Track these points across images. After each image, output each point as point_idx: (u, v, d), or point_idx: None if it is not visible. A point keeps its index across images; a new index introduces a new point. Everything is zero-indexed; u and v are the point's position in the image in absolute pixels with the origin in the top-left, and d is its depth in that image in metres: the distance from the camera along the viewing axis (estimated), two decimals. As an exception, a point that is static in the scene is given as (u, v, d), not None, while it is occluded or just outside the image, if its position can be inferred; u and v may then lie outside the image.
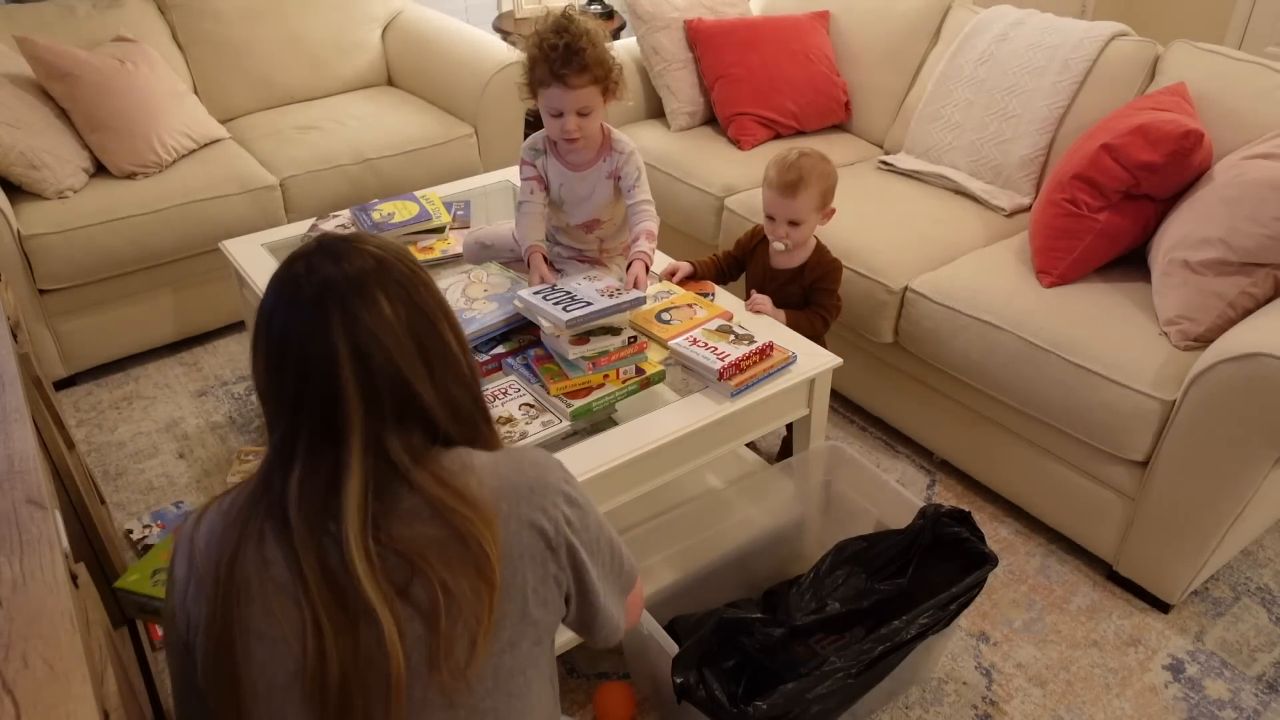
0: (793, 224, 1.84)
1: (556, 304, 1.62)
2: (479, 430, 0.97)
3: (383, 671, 0.82)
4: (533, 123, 3.32)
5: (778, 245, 1.88)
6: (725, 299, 1.94)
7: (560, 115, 1.68)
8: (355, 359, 0.85)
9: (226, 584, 0.84)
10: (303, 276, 0.86)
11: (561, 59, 1.62)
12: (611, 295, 1.66)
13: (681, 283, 1.96)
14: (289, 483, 0.85)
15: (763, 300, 1.89)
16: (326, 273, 0.86)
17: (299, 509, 0.84)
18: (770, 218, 1.87)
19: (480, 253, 2.06)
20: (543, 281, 1.76)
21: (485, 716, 0.87)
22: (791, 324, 1.87)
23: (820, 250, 1.93)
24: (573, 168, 1.81)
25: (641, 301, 1.67)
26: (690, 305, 1.84)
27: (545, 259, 1.82)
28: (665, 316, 1.81)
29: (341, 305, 0.85)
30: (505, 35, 3.61)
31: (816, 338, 1.88)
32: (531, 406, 1.61)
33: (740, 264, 2.04)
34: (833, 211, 1.89)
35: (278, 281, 0.88)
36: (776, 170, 1.83)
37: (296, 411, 0.86)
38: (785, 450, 2.12)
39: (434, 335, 0.91)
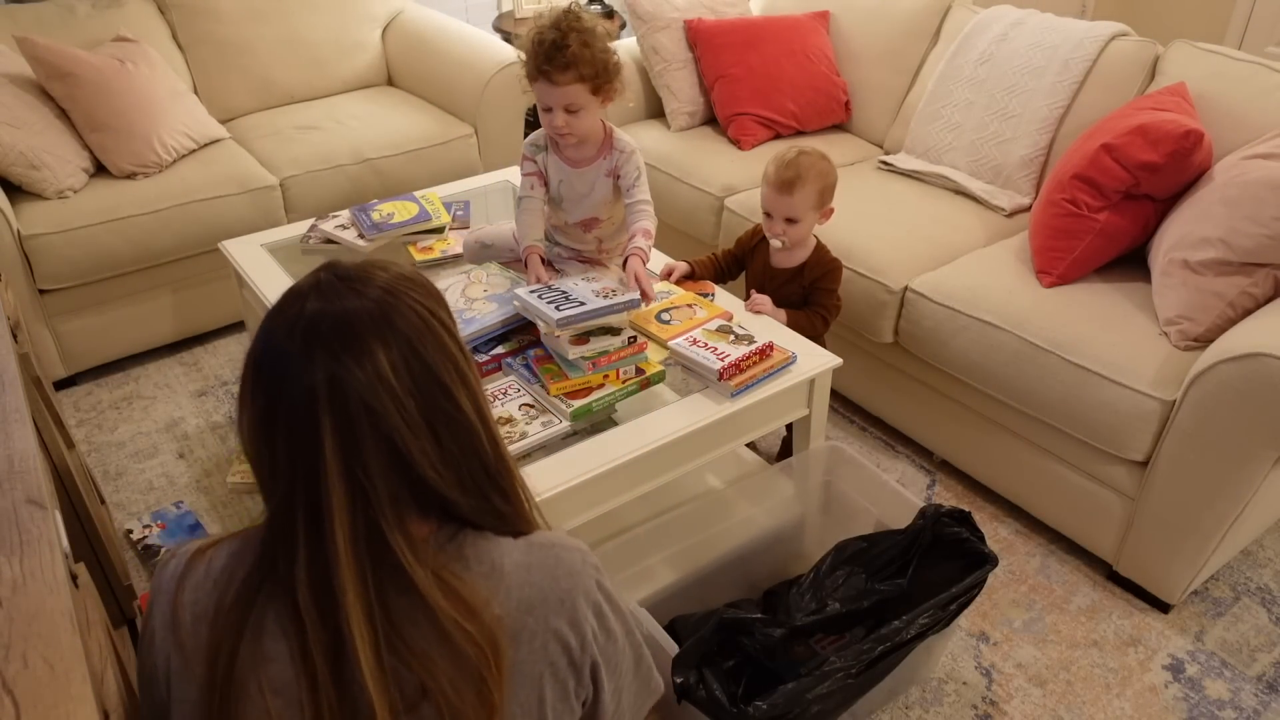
0: (790, 221, 1.84)
1: (550, 303, 1.62)
2: (501, 514, 0.85)
3: None
4: (532, 122, 3.32)
5: (775, 243, 1.88)
6: (725, 299, 1.94)
7: (549, 110, 1.70)
8: (338, 426, 0.73)
9: (224, 685, 0.75)
10: (295, 318, 0.75)
11: (547, 55, 1.63)
12: (607, 296, 1.66)
13: (679, 282, 1.96)
14: (296, 565, 0.74)
15: (763, 300, 1.89)
16: (315, 312, 0.75)
17: (310, 599, 0.74)
18: (768, 215, 1.87)
19: (481, 252, 2.06)
20: (539, 282, 1.76)
21: None
22: (792, 324, 1.87)
23: (820, 250, 1.93)
24: (573, 164, 1.81)
25: (637, 303, 1.67)
26: (690, 305, 1.84)
27: (543, 259, 1.82)
28: (665, 316, 1.81)
29: (331, 360, 0.73)
30: (505, 35, 3.61)
31: (817, 338, 1.88)
32: (531, 407, 1.61)
33: (740, 263, 2.04)
34: (831, 211, 1.89)
35: (269, 320, 0.77)
36: (775, 167, 1.84)
37: (290, 479, 0.75)
38: (785, 450, 2.12)
39: (447, 402, 0.78)
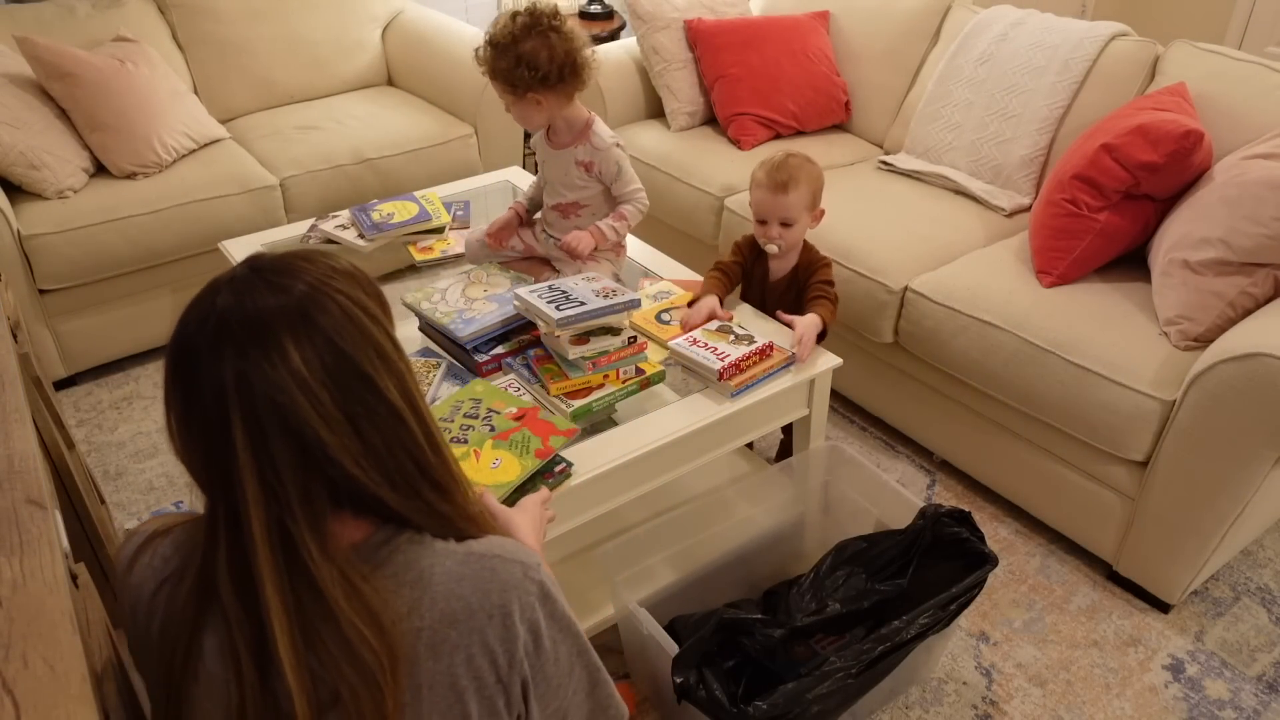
0: (785, 225, 1.82)
1: (550, 303, 1.63)
2: (439, 513, 0.82)
3: None
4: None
5: (771, 248, 1.85)
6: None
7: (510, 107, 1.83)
8: (247, 424, 0.72)
9: (180, 678, 0.77)
10: (205, 316, 0.74)
11: (491, 66, 1.75)
12: (607, 296, 1.66)
13: (686, 283, 1.96)
14: (218, 560, 0.75)
15: (803, 328, 1.76)
16: (225, 309, 0.73)
17: (233, 593, 0.74)
18: (761, 221, 1.84)
19: (483, 252, 2.06)
20: (499, 233, 1.99)
21: None
22: (821, 319, 1.78)
23: (808, 249, 1.92)
24: (553, 145, 1.89)
25: (638, 303, 1.67)
26: (690, 306, 1.84)
27: (521, 219, 2.02)
28: (665, 317, 1.81)
29: (238, 356, 0.72)
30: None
31: (831, 318, 1.83)
32: (531, 406, 1.61)
33: (745, 274, 1.97)
34: (822, 213, 1.88)
35: (184, 315, 0.75)
36: (765, 172, 1.82)
37: (209, 476, 0.75)
38: (784, 451, 2.11)
39: (367, 391, 0.76)
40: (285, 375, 0.72)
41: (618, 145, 1.86)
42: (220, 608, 0.75)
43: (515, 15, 1.74)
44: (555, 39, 1.73)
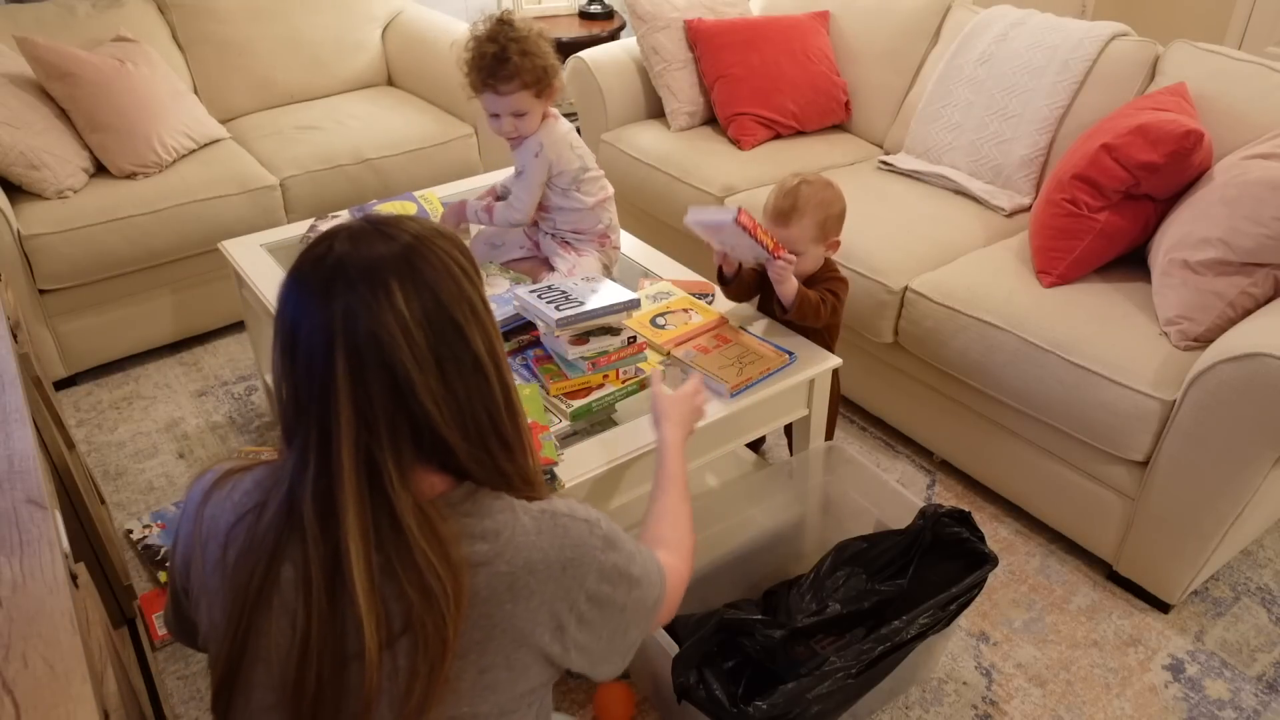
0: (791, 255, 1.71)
1: (550, 303, 1.63)
2: (502, 471, 0.88)
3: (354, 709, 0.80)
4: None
5: (773, 275, 1.71)
6: (722, 301, 1.93)
7: (497, 117, 1.83)
8: (349, 354, 0.78)
9: (254, 606, 0.81)
10: (322, 257, 0.80)
11: (490, 69, 1.75)
12: (603, 293, 1.67)
13: (685, 283, 1.95)
14: (304, 479, 0.80)
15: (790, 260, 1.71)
16: (342, 253, 0.80)
17: (314, 513, 0.79)
18: None
19: (487, 253, 2.07)
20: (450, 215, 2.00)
21: None
22: (801, 299, 1.72)
23: (828, 266, 1.81)
24: (511, 142, 1.91)
25: (637, 303, 1.67)
26: (686, 310, 1.84)
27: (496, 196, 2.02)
28: (660, 321, 1.80)
29: (348, 292, 0.78)
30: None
31: (821, 325, 1.78)
32: (531, 406, 1.61)
33: (760, 277, 1.87)
34: (837, 244, 1.77)
35: (298, 260, 0.83)
36: (774, 196, 1.73)
37: (306, 402, 0.80)
38: (758, 446, 2.12)
39: (457, 339, 0.82)
40: (388, 313, 0.78)
41: (537, 155, 1.87)
42: (300, 535, 0.80)
43: (497, 33, 1.75)
44: (536, 46, 1.78)
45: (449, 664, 0.80)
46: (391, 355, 0.78)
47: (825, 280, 1.81)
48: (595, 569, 0.89)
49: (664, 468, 1.27)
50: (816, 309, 1.74)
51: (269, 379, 2.27)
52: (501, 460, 0.88)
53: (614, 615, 0.93)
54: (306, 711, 0.80)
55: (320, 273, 0.80)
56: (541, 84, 1.78)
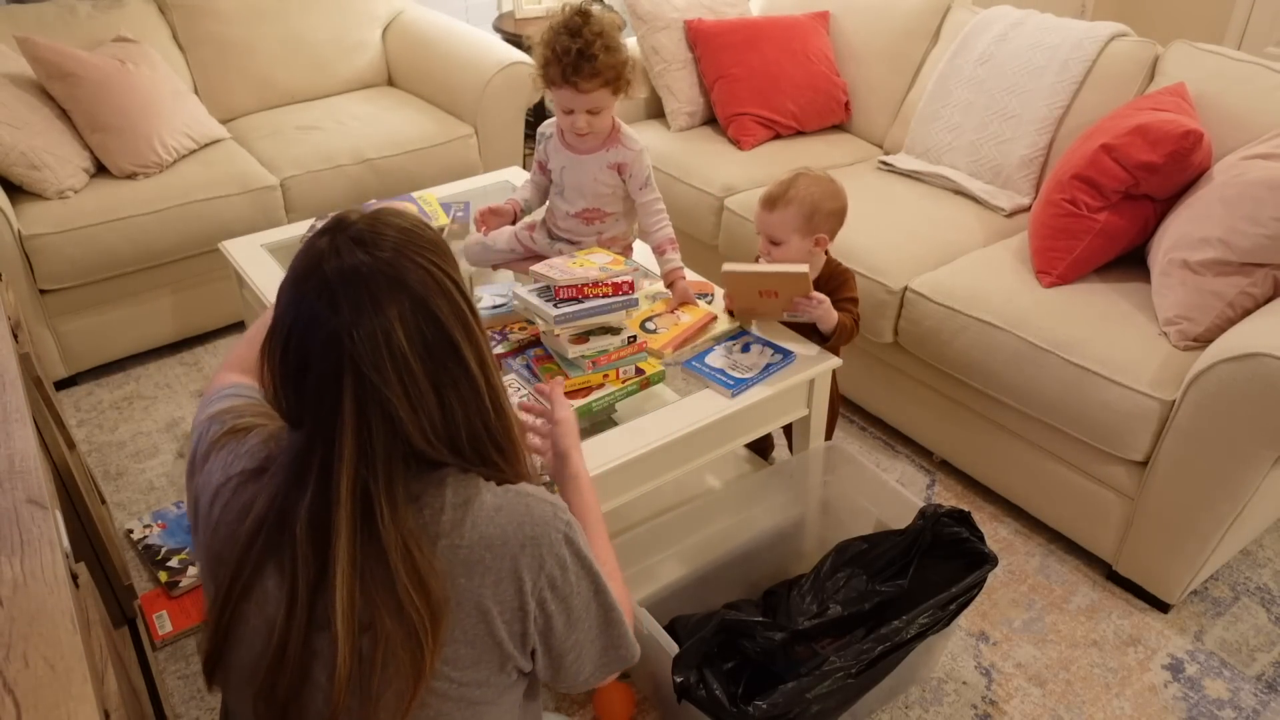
0: (773, 243, 1.75)
1: (549, 301, 1.63)
2: (497, 468, 0.90)
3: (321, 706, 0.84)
4: (533, 122, 3.33)
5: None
6: (722, 302, 1.92)
7: (571, 113, 1.72)
8: (356, 392, 0.80)
9: (239, 600, 0.85)
10: (325, 255, 0.81)
11: (573, 65, 1.64)
12: (606, 296, 1.66)
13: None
14: (303, 500, 0.83)
15: (822, 298, 1.72)
16: (351, 260, 0.80)
17: (307, 534, 0.82)
18: (759, 233, 1.79)
19: (483, 254, 2.06)
20: (493, 214, 1.88)
21: None
22: (840, 324, 1.75)
23: (830, 264, 1.83)
24: (574, 151, 1.82)
25: (636, 301, 1.66)
26: (674, 311, 1.82)
27: (516, 217, 1.91)
28: (650, 325, 1.78)
29: (353, 302, 0.79)
30: (506, 36, 3.61)
31: (852, 339, 1.80)
32: (531, 406, 1.61)
33: None
34: (824, 240, 1.75)
35: (302, 254, 0.83)
36: (770, 186, 1.75)
37: (312, 427, 0.83)
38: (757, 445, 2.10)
39: (455, 364, 0.84)
40: (387, 361, 0.80)
41: (641, 151, 1.82)
42: (291, 550, 0.83)
43: (577, 26, 1.65)
44: (617, 41, 1.70)
45: (420, 693, 0.82)
46: (392, 409, 0.81)
47: (839, 296, 1.78)
48: (555, 556, 0.88)
49: (592, 505, 1.17)
50: (851, 333, 1.78)
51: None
52: (503, 465, 0.91)
53: (578, 612, 0.91)
54: (278, 708, 0.85)
55: (323, 274, 0.81)
56: (620, 80, 1.69)
